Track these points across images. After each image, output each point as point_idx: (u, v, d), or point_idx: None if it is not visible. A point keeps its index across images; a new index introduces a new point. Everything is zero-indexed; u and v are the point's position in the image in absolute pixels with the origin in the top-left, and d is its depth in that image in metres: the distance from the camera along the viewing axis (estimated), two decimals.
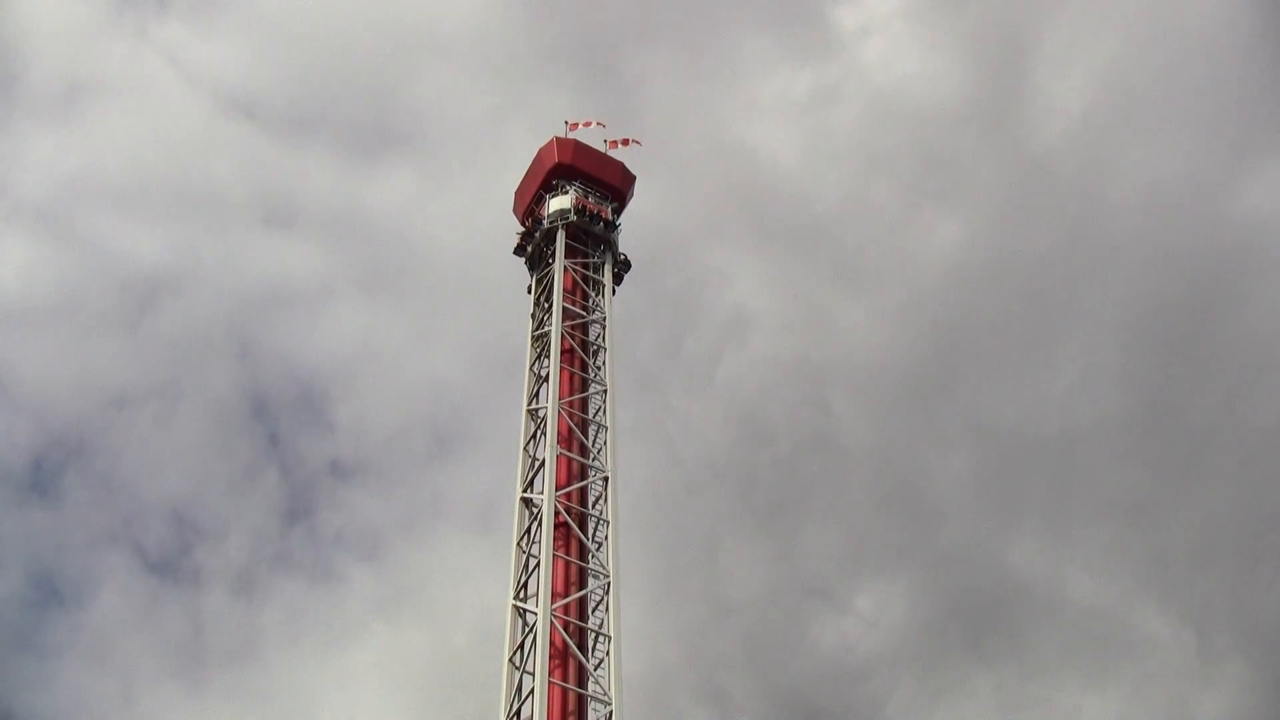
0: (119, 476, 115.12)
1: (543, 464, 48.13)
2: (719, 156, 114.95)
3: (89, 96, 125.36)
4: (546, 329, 53.61)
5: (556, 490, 47.01)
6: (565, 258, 55.95)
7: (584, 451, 49.64)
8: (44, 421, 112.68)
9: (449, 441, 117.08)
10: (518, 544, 46.97)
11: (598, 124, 61.38)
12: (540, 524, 46.21)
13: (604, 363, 53.19)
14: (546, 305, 55.08)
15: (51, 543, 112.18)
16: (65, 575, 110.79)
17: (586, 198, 58.46)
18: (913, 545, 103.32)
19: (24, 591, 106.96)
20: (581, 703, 42.92)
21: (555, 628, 43.43)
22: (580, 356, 52.95)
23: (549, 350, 52.34)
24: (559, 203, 58.01)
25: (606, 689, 42.75)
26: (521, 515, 47.96)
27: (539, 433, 50.31)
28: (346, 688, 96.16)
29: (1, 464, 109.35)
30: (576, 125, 61.27)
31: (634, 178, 61.21)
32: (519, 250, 58.54)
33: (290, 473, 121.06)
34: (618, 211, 59.49)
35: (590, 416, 51.17)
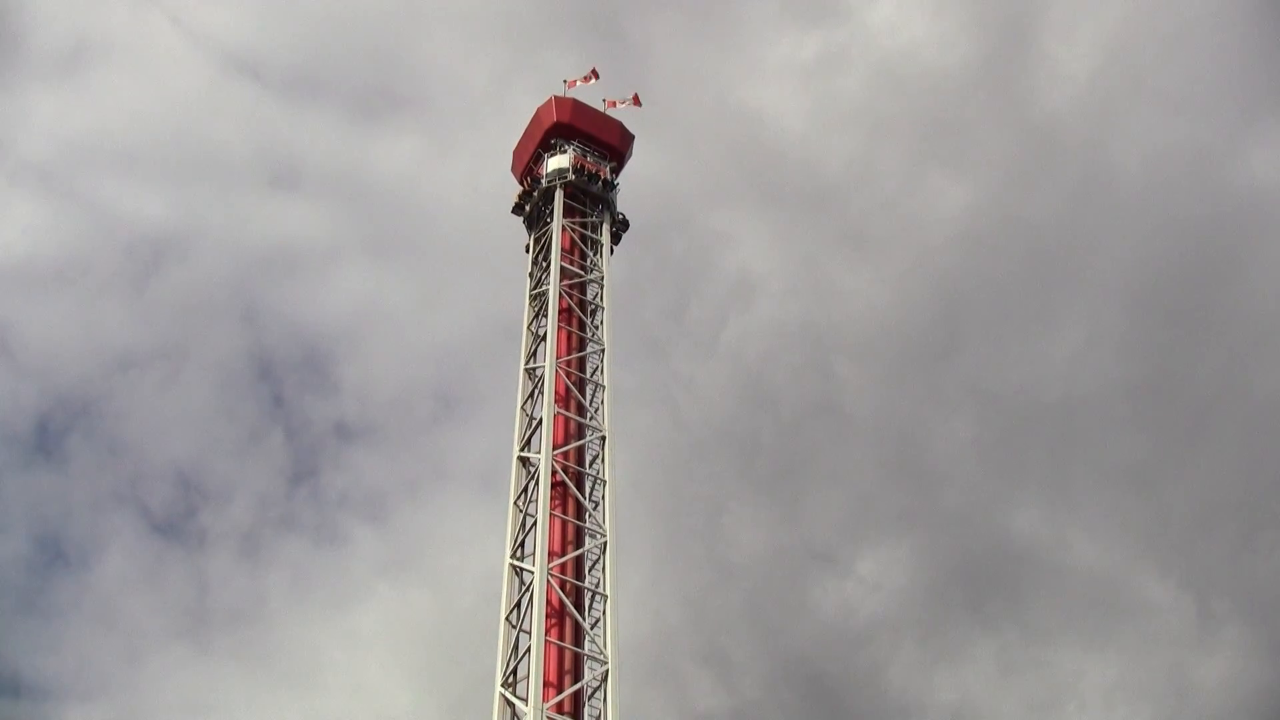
0: (124, 439, 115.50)
1: (540, 423, 47.84)
2: (725, 120, 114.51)
3: (93, 57, 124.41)
4: (544, 288, 53.22)
5: (554, 449, 46.73)
6: (563, 217, 55.50)
7: (581, 411, 49.33)
8: (49, 384, 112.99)
9: (453, 404, 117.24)
10: (515, 503, 46.79)
11: (594, 74, 60.73)
12: (537, 483, 45.96)
13: (602, 322, 52.87)
14: (544, 264, 54.66)
15: (57, 505, 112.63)
16: (71, 537, 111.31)
17: (585, 157, 58.01)
18: (915, 510, 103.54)
19: (30, 553, 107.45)
20: (578, 661, 42.81)
21: (552, 586, 43.28)
22: (578, 316, 52.58)
23: (546, 309, 51.99)
24: (557, 162, 57.57)
25: (603, 648, 42.62)
26: (519, 474, 47.73)
27: (536, 392, 50.03)
28: (351, 649, 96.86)
29: (7, 426, 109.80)
30: (575, 83, 60.70)
31: (633, 137, 60.69)
32: (517, 209, 58.06)
33: (295, 435, 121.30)
34: (616, 171, 59.01)
35: (588, 376, 50.87)
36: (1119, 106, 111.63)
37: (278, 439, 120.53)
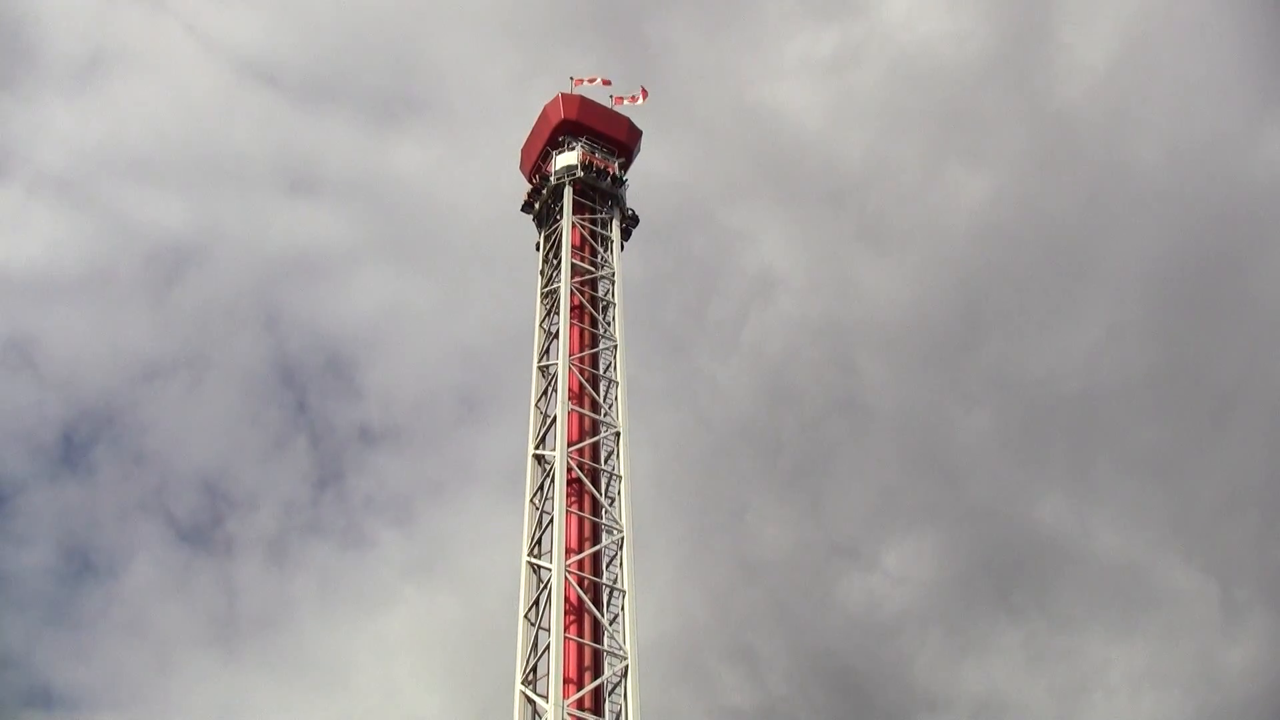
0: (149, 448, 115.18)
1: (554, 420, 47.66)
2: (743, 117, 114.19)
3: (108, 67, 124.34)
4: (555, 285, 53.06)
5: (568, 446, 46.50)
6: (573, 214, 55.36)
7: (595, 407, 49.11)
8: (73, 395, 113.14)
9: (477, 405, 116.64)
10: (531, 501, 46.59)
11: (603, 80, 60.72)
12: (553, 480, 45.75)
13: (614, 318, 52.68)
14: (555, 262, 54.48)
15: (84, 516, 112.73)
16: (98, 547, 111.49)
17: (593, 153, 57.80)
18: (939, 502, 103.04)
19: (57, 564, 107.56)
20: (598, 657, 42.57)
21: (570, 583, 43.06)
22: (590, 312, 52.42)
23: (558, 307, 51.79)
24: (566, 159, 57.32)
25: (622, 643, 42.38)
26: (534, 472, 47.55)
27: (550, 389, 49.88)
28: (379, 652, 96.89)
29: (32, 438, 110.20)
30: (582, 81, 60.56)
31: (640, 132, 60.45)
32: (527, 207, 57.98)
33: (319, 440, 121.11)
34: (625, 167, 58.78)
35: (601, 372, 50.69)
36: (1137, 97, 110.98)
37: (302, 444, 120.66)
